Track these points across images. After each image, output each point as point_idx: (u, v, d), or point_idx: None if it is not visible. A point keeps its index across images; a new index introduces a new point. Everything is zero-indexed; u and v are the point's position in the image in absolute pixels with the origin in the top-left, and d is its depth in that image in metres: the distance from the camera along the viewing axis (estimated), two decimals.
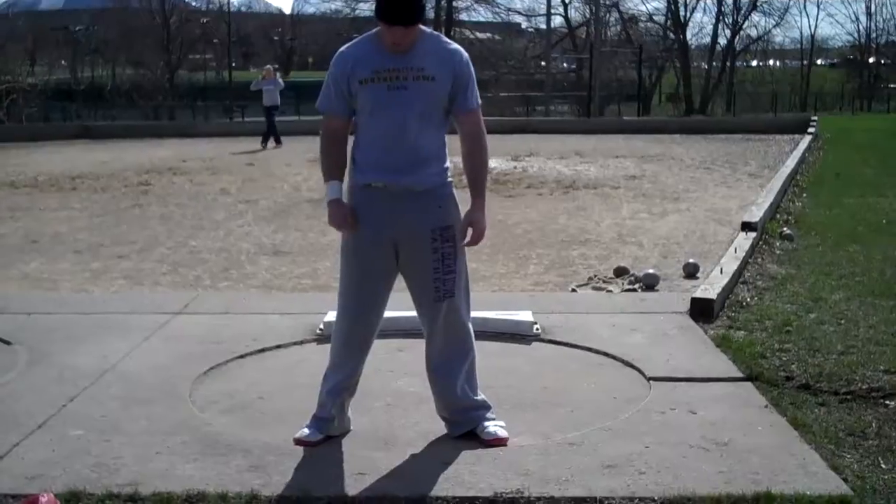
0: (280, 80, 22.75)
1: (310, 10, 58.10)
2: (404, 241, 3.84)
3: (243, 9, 66.39)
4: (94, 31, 51.14)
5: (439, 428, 4.06)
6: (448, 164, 3.90)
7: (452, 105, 3.82)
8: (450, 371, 3.97)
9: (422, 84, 3.74)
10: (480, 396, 4.04)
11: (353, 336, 3.96)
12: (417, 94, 3.73)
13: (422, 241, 3.82)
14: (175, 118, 36.24)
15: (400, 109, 3.72)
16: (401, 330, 5.16)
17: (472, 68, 3.87)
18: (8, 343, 5.41)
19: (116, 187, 14.29)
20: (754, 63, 55.80)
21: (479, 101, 3.90)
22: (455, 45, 3.91)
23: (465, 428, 3.99)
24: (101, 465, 3.67)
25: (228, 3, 54.91)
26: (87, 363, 4.98)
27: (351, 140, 3.92)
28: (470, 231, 3.86)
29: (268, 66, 24.11)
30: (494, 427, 3.96)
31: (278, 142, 22.13)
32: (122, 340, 5.40)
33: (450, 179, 3.90)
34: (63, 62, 49.51)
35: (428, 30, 3.90)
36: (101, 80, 48.63)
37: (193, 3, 53.96)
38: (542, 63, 41.94)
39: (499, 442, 3.90)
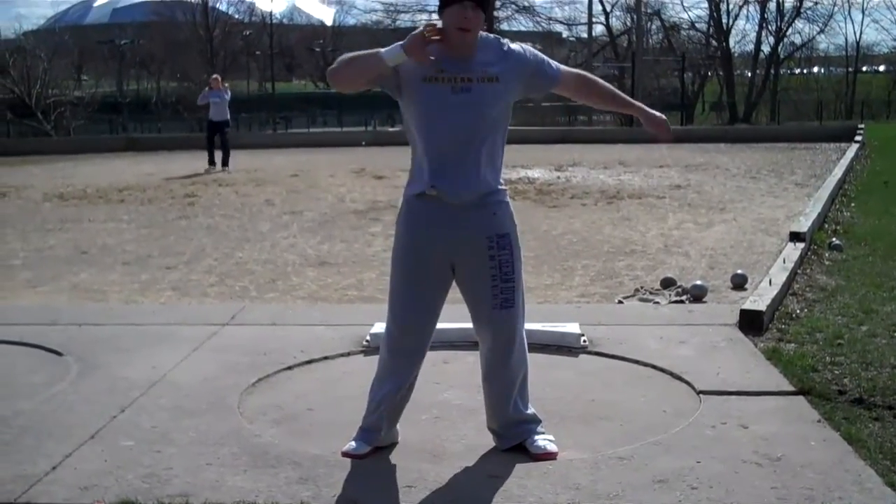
0: (226, 93, 20.08)
1: (351, 21, 58.52)
2: (460, 251, 3.78)
3: (285, 21, 67.19)
4: (139, 44, 51.96)
5: (487, 441, 4.04)
6: (502, 172, 3.87)
7: (540, 83, 3.84)
8: (505, 384, 3.93)
9: (486, 86, 3.68)
10: (531, 410, 4.02)
11: (401, 347, 3.91)
12: (482, 96, 3.68)
13: (479, 250, 3.77)
14: None
15: (464, 112, 3.66)
16: (447, 342, 5.16)
17: (536, 51, 3.87)
18: (59, 354, 5.48)
19: (163, 199, 14.46)
20: (798, 70, 55.21)
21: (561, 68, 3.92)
22: (511, 46, 3.83)
23: (514, 441, 3.96)
24: (152, 475, 3.70)
25: (271, 15, 55.64)
26: (137, 374, 5.03)
27: (407, 150, 3.87)
28: (655, 124, 3.95)
29: (214, 76, 21.32)
30: (543, 441, 3.93)
31: (212, 163, 19.21)
32: (172, 351, 5.45)
33: (504, 187, 3.86)
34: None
35: (487, 35, 3.84)
36: (147, 93, 49.49)
37: (236, 16, 54.72)
38: None
39: (548, 456, 3.86)
